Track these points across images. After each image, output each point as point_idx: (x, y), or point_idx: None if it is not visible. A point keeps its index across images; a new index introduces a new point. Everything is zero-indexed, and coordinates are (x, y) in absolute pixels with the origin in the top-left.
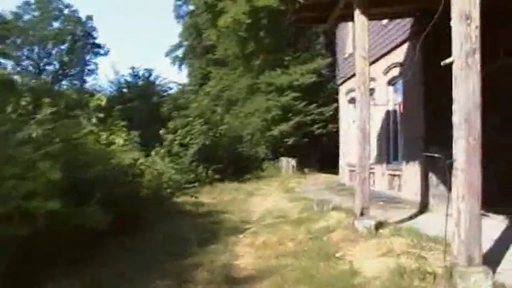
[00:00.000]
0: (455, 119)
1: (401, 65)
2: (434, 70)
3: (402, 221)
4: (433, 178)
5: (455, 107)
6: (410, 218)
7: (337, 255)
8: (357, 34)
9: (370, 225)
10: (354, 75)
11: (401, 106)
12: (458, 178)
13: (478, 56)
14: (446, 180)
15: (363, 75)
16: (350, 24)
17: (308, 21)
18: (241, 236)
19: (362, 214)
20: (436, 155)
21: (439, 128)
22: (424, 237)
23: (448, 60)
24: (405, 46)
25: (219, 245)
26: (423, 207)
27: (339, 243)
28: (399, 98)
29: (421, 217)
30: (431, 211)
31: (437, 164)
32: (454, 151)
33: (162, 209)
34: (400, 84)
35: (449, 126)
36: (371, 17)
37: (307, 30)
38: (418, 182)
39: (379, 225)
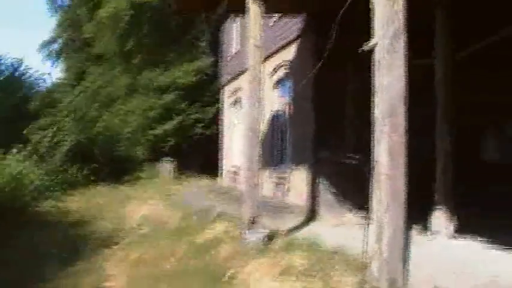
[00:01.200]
0: (377, 112)
1: (290, 65)
2: (326, 71)
3: (294, 230)
4: (321, 184)
5: (377, 99)
6: (301, 227)
7: (227, 275)
8: (250, 23)
9: (262, 236)
10: (239, 74)
11: (290, 108)
12: (381, 184)
13: (403, 39)
14: (335, 186)
15: (255, 67)
16: (235, 25)
17: (193, 8)
18: (114, 247)
19: (252, 224)
20: (357, 157)
21: (329, 131)
22: (324, 251)
23: (371, 43)
24: (294, 46)
25: (87, 263)
26: (312, 215)
27: (228, 260)
28: (286, 100)
29: (313, 226)
30: (321, 219)
31: (326, 169)
32: (375, 152)
33: (18, 219)
34: (288, 85)
35: (339, 129)
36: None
37: (192, 29)
38: (306, 188)
39: (271, 236)
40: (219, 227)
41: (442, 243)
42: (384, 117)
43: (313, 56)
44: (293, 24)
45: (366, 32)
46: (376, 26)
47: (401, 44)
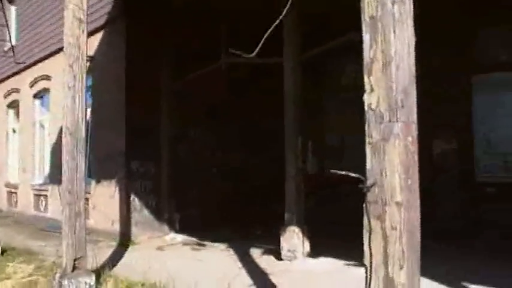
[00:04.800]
0: None
1: (94, 60)
2: (138, 75)
3: (113, 263)
4: (135, 201)
5: None
6: (119, 257)
7: None
8: None
9: (91, 284)
10: (18, 72)
11: (95, 112)
12: None
13: None
14: (152, 201)
15: (77, 47)
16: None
17: None
18: None
19: (74, 269)
20: (352, 174)
21: (141, 142)
22: None
23: None
24: (99, 35)
25: None
26: (126, 239)
27: None
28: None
29: (135, 253)
30: (139, 243)
31: (139, 184)
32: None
33: None
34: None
35: (151, 139)
36: None
37: None
38: (116, 206)
39: (98, 277)
40: (14, 273)
41: (300, 263)
42: None
43: (123, 44)
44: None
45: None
46: None
47: None
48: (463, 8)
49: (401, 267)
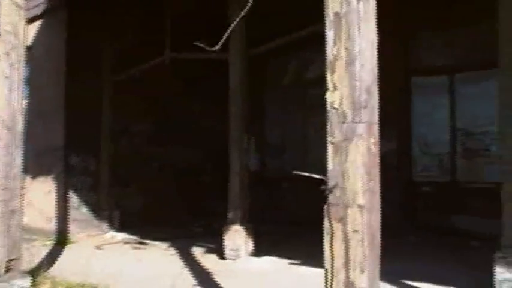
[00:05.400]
0: None
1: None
2: (79, 66)
3: (50, 263)
4: (73, 197)
5: None
6: (56, 257)
7: None
8: None
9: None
10: None
11: (27, 109)
12: None
13: None
14: (91, 199)
15: (14, 35)
16: None
17: None
18: None
19: (8, 272)
20: (315, 176)
21: (80, 136)
22: None
23: None
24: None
25: None
26: (63, 238)
27: None
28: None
29: (72, 254)
30: (77, 241)
31: (77, 180)
32: None
33: None
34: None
35: (91, 133)
36: None
37: None
38: (52, 203)
39: (35, 282)
40: None
41: (243, 263)
42: None
43: (64, 34)
44: None
45: None
46: None
47: None
48: (402, 9)
49: (362, 271)
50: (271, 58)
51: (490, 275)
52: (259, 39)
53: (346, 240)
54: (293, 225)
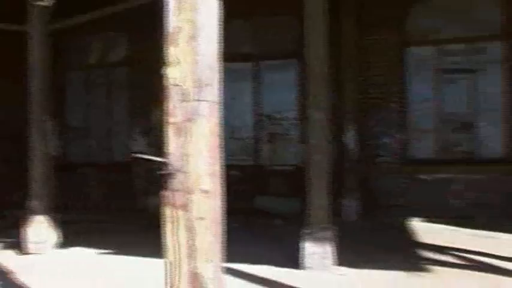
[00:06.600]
0: None
1: None
2: None
3: None
4: None
5: None
6: None
7: None
8: None
9: None
10: None
11: None
12: None
13: None
14: None
15: None
16: None
17: None
18: None
19: None
20: (157, 159)
21: None
22: None
23: None
24: None
25: None
26: None
27: None
28: None
29: None
30: None
31: None
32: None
33: None
34: None
35: None
36: None
37: None
38: None
39: None
40: None
41: (50, 255)
42: None
43: None
44: None
45: None
46: None
47: None
48: None
49: (208, 260)
50: (75, 37)
51: (299, 249)
52: (67, 15)
53: (190, 229)
54: (99, 213)
